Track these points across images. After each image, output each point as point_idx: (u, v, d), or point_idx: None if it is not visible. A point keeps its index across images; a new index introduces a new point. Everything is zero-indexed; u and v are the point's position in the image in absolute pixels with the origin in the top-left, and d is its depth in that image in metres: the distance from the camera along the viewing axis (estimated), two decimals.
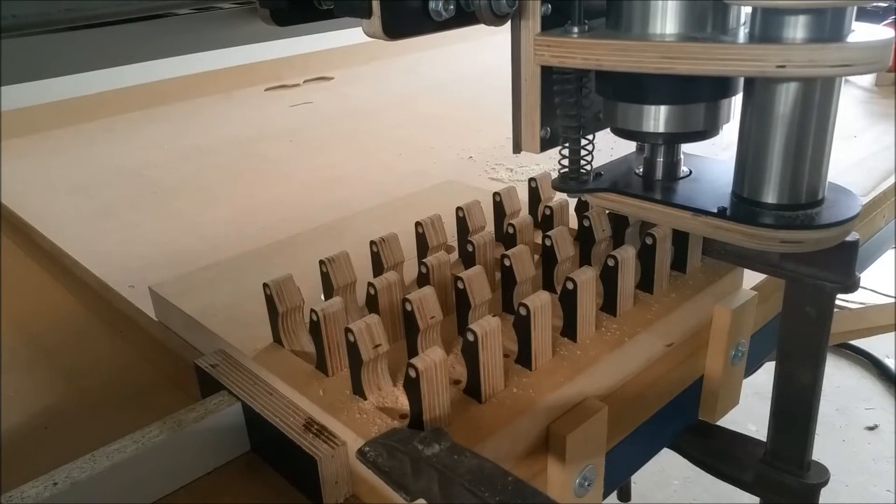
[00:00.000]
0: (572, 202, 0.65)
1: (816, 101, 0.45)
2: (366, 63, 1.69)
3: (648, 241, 0.55)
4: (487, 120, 1.24)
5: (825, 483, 0.58)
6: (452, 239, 0.65)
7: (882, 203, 0.85)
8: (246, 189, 1.00)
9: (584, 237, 0.59)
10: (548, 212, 0.64)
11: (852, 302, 1.54)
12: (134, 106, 1.40)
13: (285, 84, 1.55)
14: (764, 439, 0.61)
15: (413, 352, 0.48)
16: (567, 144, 0.54)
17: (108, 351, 0.66)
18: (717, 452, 0.63)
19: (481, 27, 0.49)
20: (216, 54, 1.51)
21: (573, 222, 0.64)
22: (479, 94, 1.41)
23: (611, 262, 0.53)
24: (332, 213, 0.80)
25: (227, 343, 0.54)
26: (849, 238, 0.51)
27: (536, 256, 0.58)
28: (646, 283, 0.56)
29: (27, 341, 0.69)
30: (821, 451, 0.57)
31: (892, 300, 1.50)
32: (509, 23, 0.49)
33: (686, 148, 0.56)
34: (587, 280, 0.50)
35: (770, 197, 0.48)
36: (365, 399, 0.46)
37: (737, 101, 0.51)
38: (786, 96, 0.45)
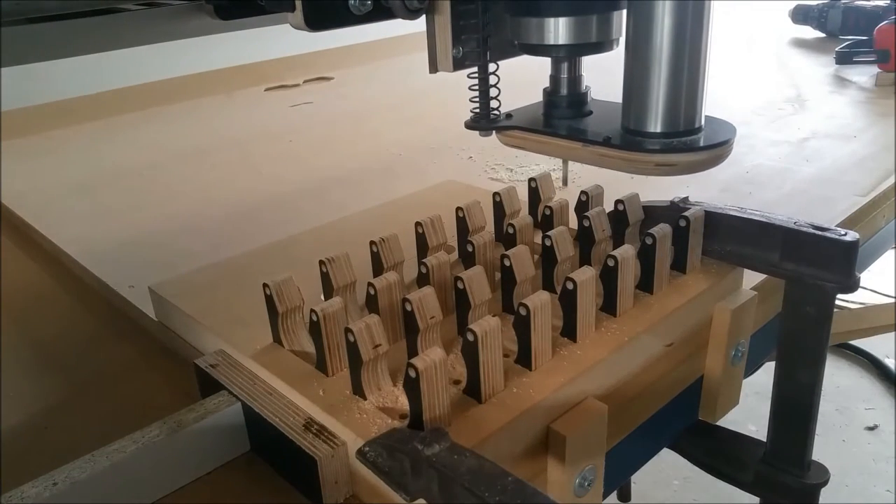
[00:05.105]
0: (572, 202, 0.65)
1: (688, 34, 0.51)
2: (366, 63, 1.69)
3: (648, 241, 0.55)
4: None
5: (825, 483, 0.58)
6: (452, 239, 0.65)
7: (882, 203, 0.84)
8: (246, 189, 1.00)
9: (584, 237, 0.59)
10: (548, 212, 0.64)
11: (852, 302, 1.54)
12: (134, 106, 1.40)
13: (285, 84, 1.55)
14: (764, 439, 0.61)
15: (413, 352, 0.48)
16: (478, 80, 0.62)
17: (108, 351, 0.66)
18: (717, 452, 0.63)
19: None
20: (216, 54, 1.51)
21: (573, 222, 0.64)
22: None
23: (611, 262, 0.53)
24: (332, 213, 0.80)
25: (227, 343, 0.54)
26: (849, 238, 0.51)
27: (536, 256, 0.58)
28: (646, 283, 0.56)
29: (27, 341, 0.69)
30: (821, 451, 0.57)
31: (892, 300, 1.50)
32: None
33: (598, 93, 0.64)
34: (587, 280, 0.50)
35: (652, 126, 0.55)
36: (365, 399, 0.46)
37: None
38: (661, 30, 0.51)
